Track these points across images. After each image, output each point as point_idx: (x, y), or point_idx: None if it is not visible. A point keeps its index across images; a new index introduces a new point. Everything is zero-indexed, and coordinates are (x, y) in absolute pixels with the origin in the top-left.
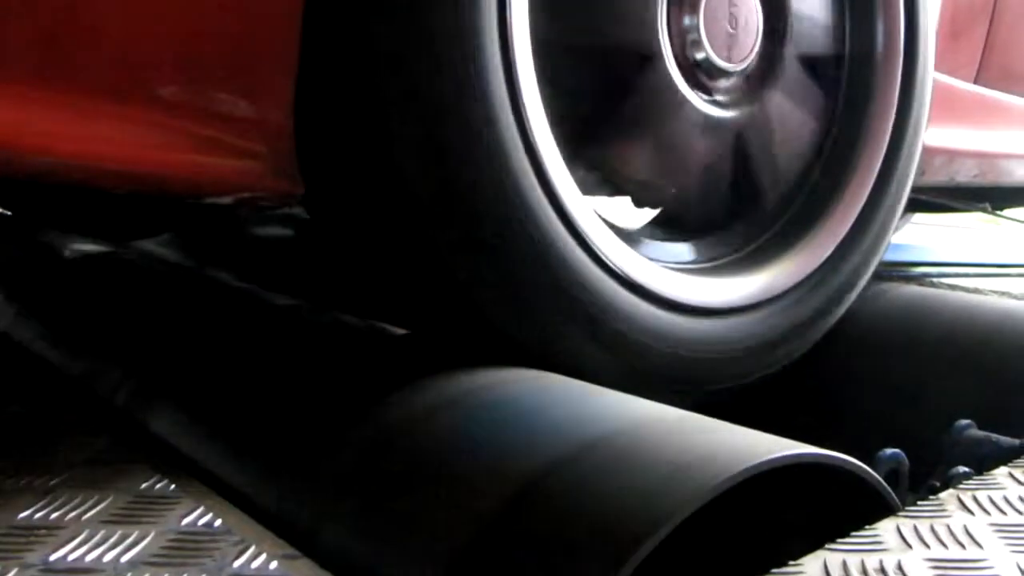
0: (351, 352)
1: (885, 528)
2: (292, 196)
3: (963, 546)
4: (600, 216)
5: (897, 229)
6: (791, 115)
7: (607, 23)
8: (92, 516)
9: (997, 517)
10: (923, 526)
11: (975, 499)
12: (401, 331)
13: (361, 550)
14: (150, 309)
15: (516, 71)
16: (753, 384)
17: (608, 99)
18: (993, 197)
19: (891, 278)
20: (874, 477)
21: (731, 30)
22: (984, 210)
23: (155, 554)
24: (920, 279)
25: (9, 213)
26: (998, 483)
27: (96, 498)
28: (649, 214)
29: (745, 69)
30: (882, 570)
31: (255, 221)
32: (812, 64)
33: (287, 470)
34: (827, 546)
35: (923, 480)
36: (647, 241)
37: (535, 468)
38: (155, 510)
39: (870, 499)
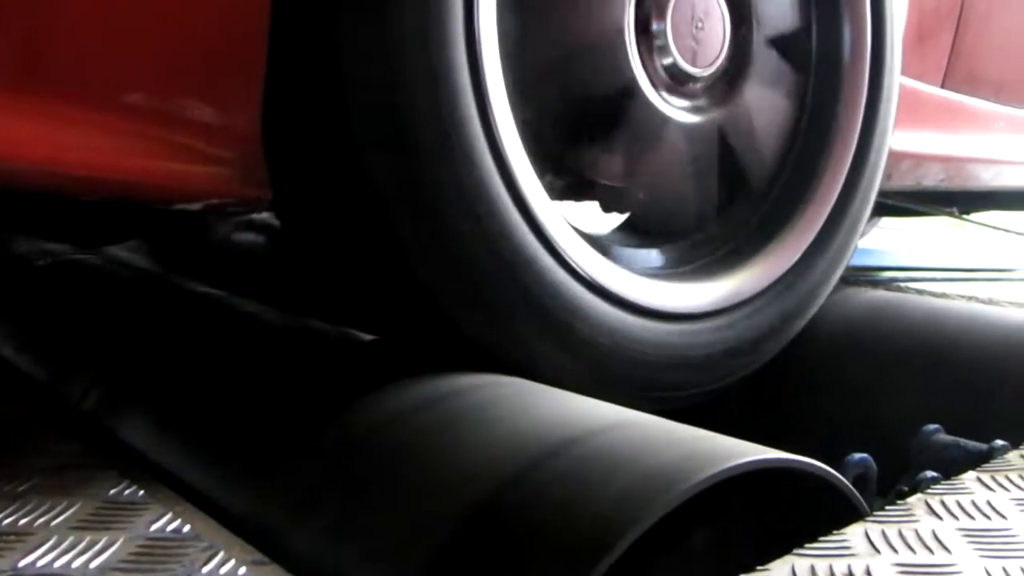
0: (319, 357)
1: (853, 533)
2: (261, 202)
3: (931, 551)
4: (568, 221)
5: (864, 234)
6: (758, 120)
7: (574, 27)
8: (61, 522)
9: (965, 522)
10: (891, 531)
11: (943, 504)
12: (370, 336)
13: (330, 555)
14: (119, 315)
15: (483, 75)
16: (721, 389)
17: (575, 104)
18: (960, 201)
19: (858, 283)
20: (842, 482)
21: (697, 36)
22: (951, 214)
23: (124, 560)
24: (887, 284)
25: None
26: (966, 487)
27: (65, 504)
28: (618, 219)
29: (711, 74)
30: (850, 575)
31: (224, 227)
32: (778, 70)
33: (256, 476)
34: (795, 551)
35: (891, 485)
36: (615, 246)
37: (505, 472)
38: (124, 516)
39: (838, 504)
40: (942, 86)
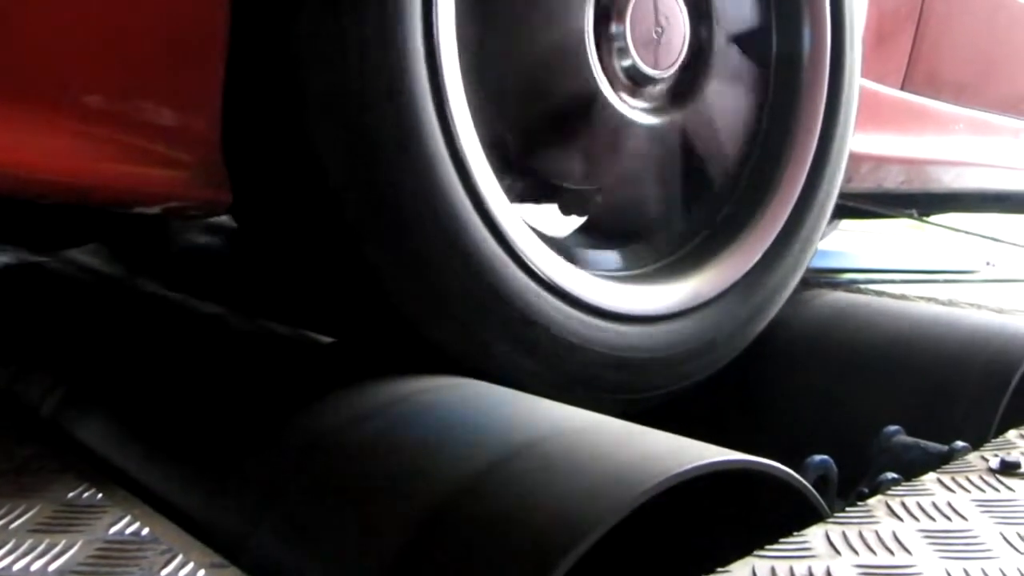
0: (279, 360)
1: (814, 534)
2: (219, 205)
3: (892, 552)
4: (528, 224)
5: (824, 236)
6: (718, 122)
7: (533, 30)
8: (19, 525)
9: (926, 523)
10: (852, 532)
11: (904, 505)
12: (329, 340)
13: (289, 558)
14: (78, 318)
15: (442, 78)
16: (682, 391)
17: (534, 106)
18: (920, 203)
19: (819, 284)
20: (803, 483)
21: (657, 38)
22: (911, 216)
23: (82, 563)
24: (847, 285)
25: None
26: (927, 489)
27: (23, 507)
28: (579, 221)
29: (672, 76)
30: None
31: (184, 230)
32: (739, 71)
33: (214, 478)
34: (756, 552)
35: (852, 486)
36: (575, 248)
37: (464, 475)
38: (82, 519)
39: (799, 505)
40: (902, 88)
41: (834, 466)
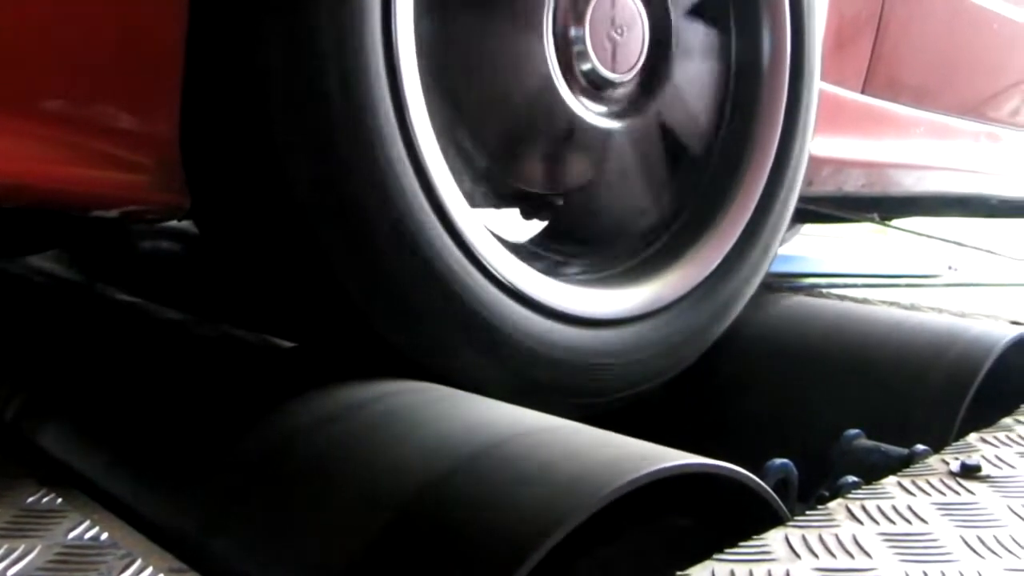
0: (240, 365)
1: (774, 538)
2: (179, 209)
3: (852, 555)
4: (487, 227)
5: (785, 240)
6: (678, 125)
7: (492, 33)
8: None
9: (886, 526)
10: (812, 535)
11: (864, 508)
12: (291, 344)
13: (248, 563)
14: (38, 324)
15: (401, 82)
16: (642, 395)
17: (494, 110)
18: (881, 207)
19: (780, 288)
20: (762, 487)
21: (616, 42)
22: (872, 220)
23: (41, 568)
24: (809, 289)
25: None
26: (887, 492)
27: None
28: (540, 225)
29: (631, 80)
30: None
31: (144, 234)
32: (698, 74)
33: (175, 483)
34: (716, 556)
35: (812, 490)
36: (536, 253)
37: (424, 480)
38: (42, 524)
39: (759, 509)
40: (862, 92)
41: (794, 469)
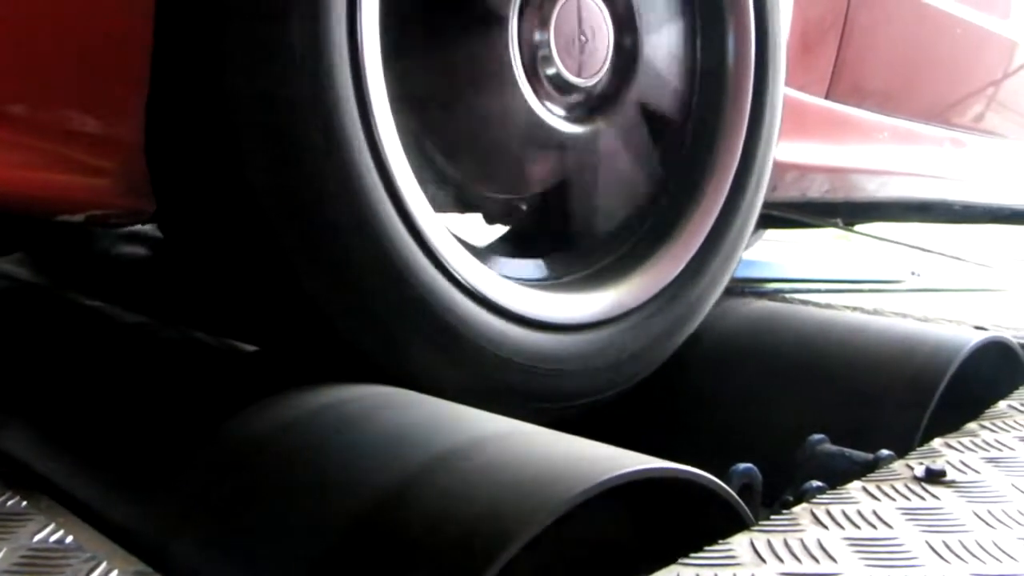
0: (202, 369)
1: (739, 543)
2: (144, 213)
3: (817, 560)
4: (451, 232)
5: (749, 245)
6: (642, 130)
7: (459, 38)
8: None
9: (851, 531)
10: (777, 540)
11: (829, 513)
12: (253, 348)
13: (212, 566)
14: (1, 328)
15: (366, 87)
16: (606, 399)
17: (458, 115)
18: (845, 212)
19: (743, 294)
20: (727, 491)
21: (582, 47)
22: (836, 225)
23: (6, 571)
24: (773, 295)
25: None
26: (852, 497)
27: None
28: (503, 229)
29: (596, 84)
30: None
31: (109, 238)
32: (663, 79)
33: (138, 486)
34: (680, 561)
35: (777, 495)
36: (499, 257)
37: (386, 484)
38: (6, 527)
39: (723, 514)
40: (827, 97)
41: (759, 474)
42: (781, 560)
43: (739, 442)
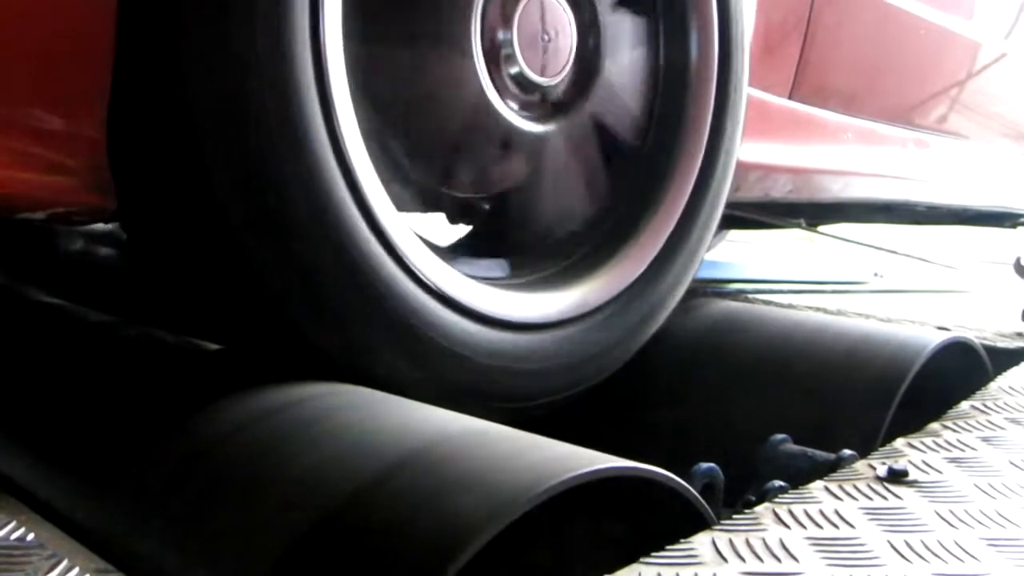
0: (164, 367)
1: (700, 542)
2: (105, 211)
3: (779, 559)
4: (414, 231)
5: (712, 246)
6: (605, 130)
7: (422, 37)
8: None
9: (813, 531)
10: (739, 540)
11: (791, 513)
12: (215, 347)
13: (175, 564)
14: None
15: (328, 85)
16: (568, 398)
17: (420, 114)
18: (808, 213)
19: (706, 294)
20: (689, 490)
21: (545, 46)
22: (799, 226)
23: None
24: (735, 295)
25: None
26: (814, 497)
27: None
28: (466, 228)
29: (559, 84)
30: None
31: (71, 237)
32: (627, 78)
33: (101, 485)
34: (642, 560)
35: (739, 494)
36: (462, 256)
37: (349, 482)
38: None
39: (685, 513)
40: (790, 97)
41: (721, 474)
42: (743, 559)
43: (701, 442)
